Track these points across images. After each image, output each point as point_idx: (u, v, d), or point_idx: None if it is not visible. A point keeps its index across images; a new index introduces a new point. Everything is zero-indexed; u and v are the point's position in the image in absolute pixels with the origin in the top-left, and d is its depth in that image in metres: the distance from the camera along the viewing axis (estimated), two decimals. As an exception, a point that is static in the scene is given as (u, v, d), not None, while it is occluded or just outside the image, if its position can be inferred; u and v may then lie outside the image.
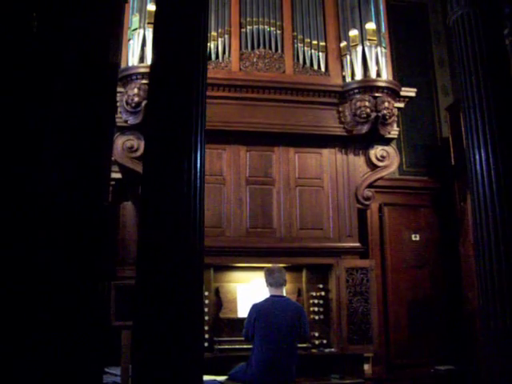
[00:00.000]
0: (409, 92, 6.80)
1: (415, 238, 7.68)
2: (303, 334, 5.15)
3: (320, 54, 6.74)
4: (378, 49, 6.60)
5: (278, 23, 6.74)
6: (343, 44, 6.76)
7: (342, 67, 6.73)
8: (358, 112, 6.36)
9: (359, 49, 6.57)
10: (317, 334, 6.21)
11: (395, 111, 6.58)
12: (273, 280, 5.20)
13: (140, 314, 3.41)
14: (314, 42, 6.75)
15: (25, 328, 2.75)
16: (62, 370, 2.72)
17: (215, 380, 5.31)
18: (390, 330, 7.32)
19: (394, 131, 6.69)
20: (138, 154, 6.03)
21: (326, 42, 6.82)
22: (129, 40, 6.20)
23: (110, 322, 4.71)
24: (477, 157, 4.33)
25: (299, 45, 6.73)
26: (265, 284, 5.33)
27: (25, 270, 2.80)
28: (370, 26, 6.65)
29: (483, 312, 4.29)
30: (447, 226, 7.72)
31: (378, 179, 6.81)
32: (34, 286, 2.81)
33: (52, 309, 2.83)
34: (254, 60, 6.60)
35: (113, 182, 6.34)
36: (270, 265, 5.60)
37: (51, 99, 3.05)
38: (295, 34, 6.77)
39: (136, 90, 5.95)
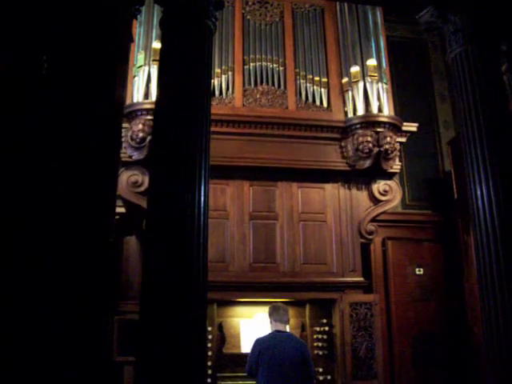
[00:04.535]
0: (410, 127, 6.86)
1: (419, 271, 7.64)
2: (309, 380, 4.98)
3: (322, 89, 6.82)
4: (380, 84, 6.71)
5: (280, 60, 6.86)
6: (345, 80, 6.86)
7: (344, 103, 6.81)
8: (361, 147, 6.41)
9: (361, 85, 6.68)
10: (321, 370, 6.13)
11: (397, 146, 6.64)
12: (277, 316, 5.14)
13: (143, 350, 3.40)
14: (316, 79, 6.85)
15: (26, 365, 2.74)
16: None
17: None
18: (395, 364, 7.23)
19: (396, 166, 6.73)
20: (143, 188, 6.08)
21: (327, 78, 6.92)
22: (134, 77, 6.32)
23: (112, 358, 4.67)
24: (478, 192, 4.34)
25: (301, 81, 6.82)
26: (268, 320, 5.28)
27: (26, 308, 2.82)
28: (371, 62, 6.78)
29: (488, 347, 4.25)
30: (451, 260, 7.69)
31: (381, 213, 6.83)
32: (36, 320, 2.82)
33: (54, 343, 2.83)
34: (257, 96, 6.69)
35: (117, 217, 6.36)
36: (273, 300, 5.56)
37: (60, 139, 3.11)
38: (297, 70, 6.88)
39: (141, 126, 6.03)
